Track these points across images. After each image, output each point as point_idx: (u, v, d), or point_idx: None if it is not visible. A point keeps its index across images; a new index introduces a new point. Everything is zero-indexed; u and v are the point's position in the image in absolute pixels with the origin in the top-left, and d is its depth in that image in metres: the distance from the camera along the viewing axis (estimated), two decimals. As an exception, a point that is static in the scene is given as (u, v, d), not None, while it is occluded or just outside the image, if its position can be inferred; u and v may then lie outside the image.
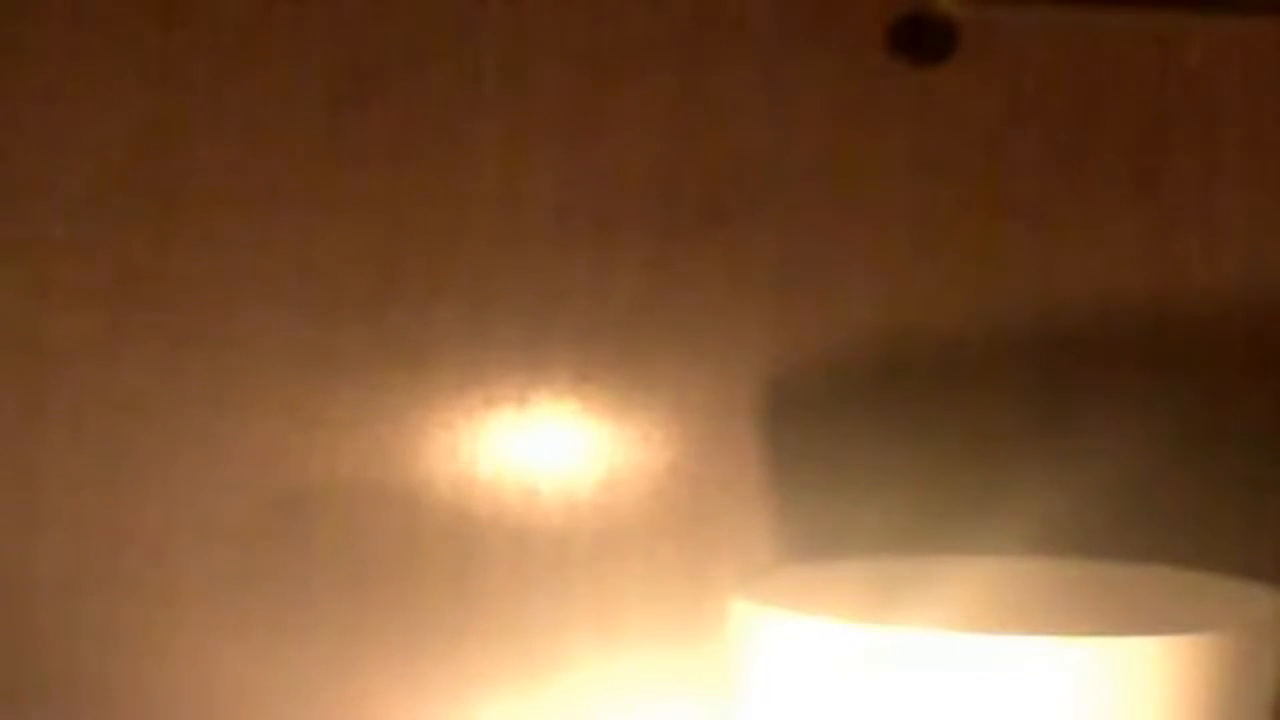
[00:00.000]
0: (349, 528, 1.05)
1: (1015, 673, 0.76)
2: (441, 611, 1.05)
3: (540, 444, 1.05)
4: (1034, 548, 1.02)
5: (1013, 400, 1.05)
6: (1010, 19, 1.05)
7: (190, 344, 1.04)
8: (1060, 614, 0.87)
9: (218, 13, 1.04)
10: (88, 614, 1.04)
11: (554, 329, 1.05)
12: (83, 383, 1.04)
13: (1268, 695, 0.81)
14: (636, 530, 1.05)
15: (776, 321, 1.05)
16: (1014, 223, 1.05)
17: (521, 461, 1.05)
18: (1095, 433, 1.05)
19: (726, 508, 1.05)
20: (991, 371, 1.05)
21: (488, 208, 1.05)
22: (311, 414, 1.04)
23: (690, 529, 1.05)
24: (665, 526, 1.05)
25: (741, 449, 1.05)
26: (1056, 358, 1.05)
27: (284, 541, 1.05)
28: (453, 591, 1.05)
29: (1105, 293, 1.05)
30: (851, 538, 1.04)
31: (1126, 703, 0.76)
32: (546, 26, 1.04)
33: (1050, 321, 1.05)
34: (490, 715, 1.05)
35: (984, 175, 1.05)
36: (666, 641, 1.05)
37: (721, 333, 1.05)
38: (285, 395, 1.04)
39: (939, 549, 1.03)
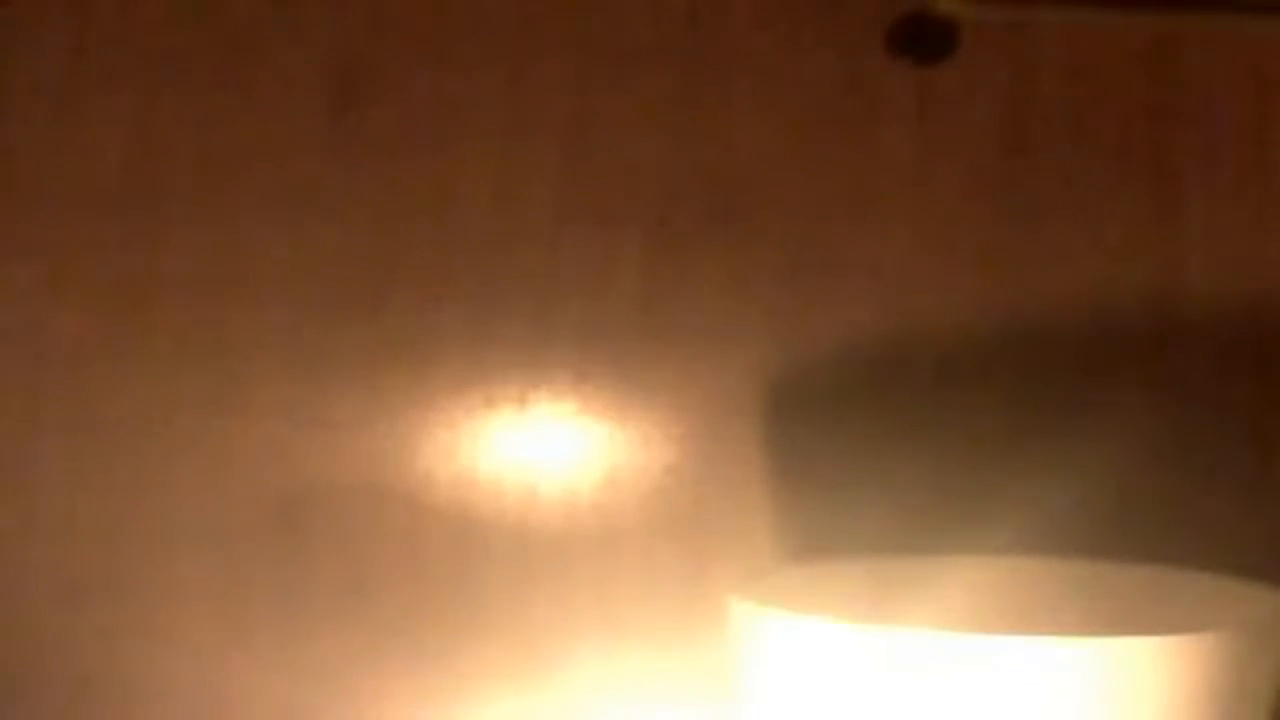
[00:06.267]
0: (349, 528, 1.05)
1: (1015, 673, 0.76)
2: (442, 611, 1.05)
3: (540, 444, 1.05)
4: (1034, 548, 1.02)
5: (1012, 400, 1.05)
6: (1010, 19, 1.05)
7: (190, 344, 1.04)
8: (1060, 614, 0.88)
9: (218, 14, 1.04)
10: (88, 614, 1.04)
11: (554, 329, 1.05)
12: (83, 383, 1.04)
13: (1268, 695, 0.81)
14: (636, 530, 1.05)
15: (776, 322, 1.05)
16: (1014, 223, 1.05)
17: (521, 461, 1.05)
18: (1095, 433, 1.05)
19: (726, 508, 1.05)
20: (991, 372, 1.05)
21: (488, 209, 1.05)
22: (311, 414, 1.04)
23: (690, 529, 1.05)
24: (665, 527, 1.05)
25: (741, 449, 1.05)
26: (1056, 357, 1.05)
27: (284, 541, 1.05)
28: (454, 591, 1.05)
29: (1105, 293, 1.05)
30: (851, 538, 1.04)
31: (1126, 703, 0.76)
32: (546, 27, 1.04)
33: (1050, 321, 1.05)
34: (490, 714, 1.05)
35: (984, 175, 1.05)
36: (666, 641, 1.05)
37: (721, 333, 1.05)
38: (285, 395, 1.04)
39: (939, 549, 1.03)
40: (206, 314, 1.04)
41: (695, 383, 1.05)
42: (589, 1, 1.04)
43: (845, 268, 1.05)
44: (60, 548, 1.04)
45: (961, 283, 1.05)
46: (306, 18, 1.04)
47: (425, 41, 1.04)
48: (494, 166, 1.05)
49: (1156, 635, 0.77)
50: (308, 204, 1.04)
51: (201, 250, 1.04)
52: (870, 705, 0.78)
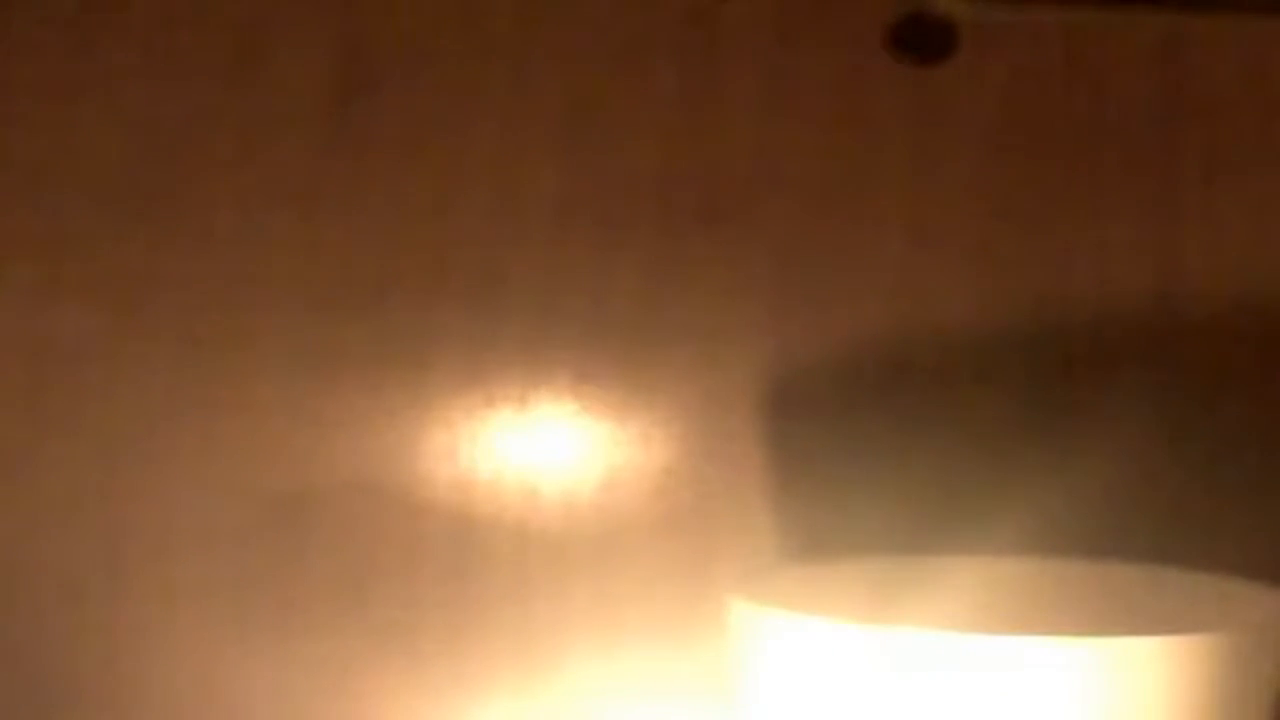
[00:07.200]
0: (349, 528, 1.05)
1: (1015, 673, 0.76)
2: (441, 612, 1.05)
3: (540, 444, 1.05)
4: (1034, 548, 1.02)
5: (1012, 400, 1.05)
6: (1010, 19, 1.05)
7: (190, 344, 1.04)
8: (1060, 614, 0.87)
9: (219, 12, 1.04)
10: (88, 614, 1.04)
11: (554, 329, 1.05)
12: (83, 383, 1.04)
13: (1268, 695, 0.81)
14: (636, 530, 1.05)
15: (776, 321, 1.05)
16: (1014, 223, 1.05)
17: (521, 461, 1.05)
18: (1095, 433, 1.05)
19: (726, 508, 1.05)
20: (991, 371, 1.05)
21: (488, 208, 1.05)
22: (311, 414, 1.04)
23: (690, 529, 1.05)
24: (665, 527, 1.05)
25: (741, 449, 1.05)
26: (1056, 357, 1.05)
27: (284, 541, 1.05)
28: (453, 591, 1.05)
29: (1105, 293, 1.05)
30: (851, 538, 1.04)
31: (1126, 703, 0.76)
32: (547, 26, 1.04)
33: (1050, 321, 1.05)
34: (490, 715, 1.05)
35: (984, 175, 1.05)
36: (666, 641, 1.05)
37: (721, 333, 1.05)
38: (285, 395, 1.04)
39: (939, 549, 1.03)
40: (206, 313, 1.04)
41: (695, 383, 1.05)
42: (591, 1, 1.04)
43: (846, 267, 1.05)
44: (60, 548, 1.04)
45: (962, 282, 1.05)
46: (307, 15, 1.04)
47: (426, 40, 1.04)
48: (494, 166, 1.05)
49: (1156, 635, 0.77)
50: (307, 203, 1.04)
51: (201, 249, 1.04)
52: (870, 705, 0.78)
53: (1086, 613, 0.88)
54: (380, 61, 1.04)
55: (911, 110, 1.05)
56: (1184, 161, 1.05)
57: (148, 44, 1.03)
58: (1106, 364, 1.05)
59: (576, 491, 1.05)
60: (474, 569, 1.05)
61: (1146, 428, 1.05)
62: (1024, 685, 0.76)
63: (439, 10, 1.04)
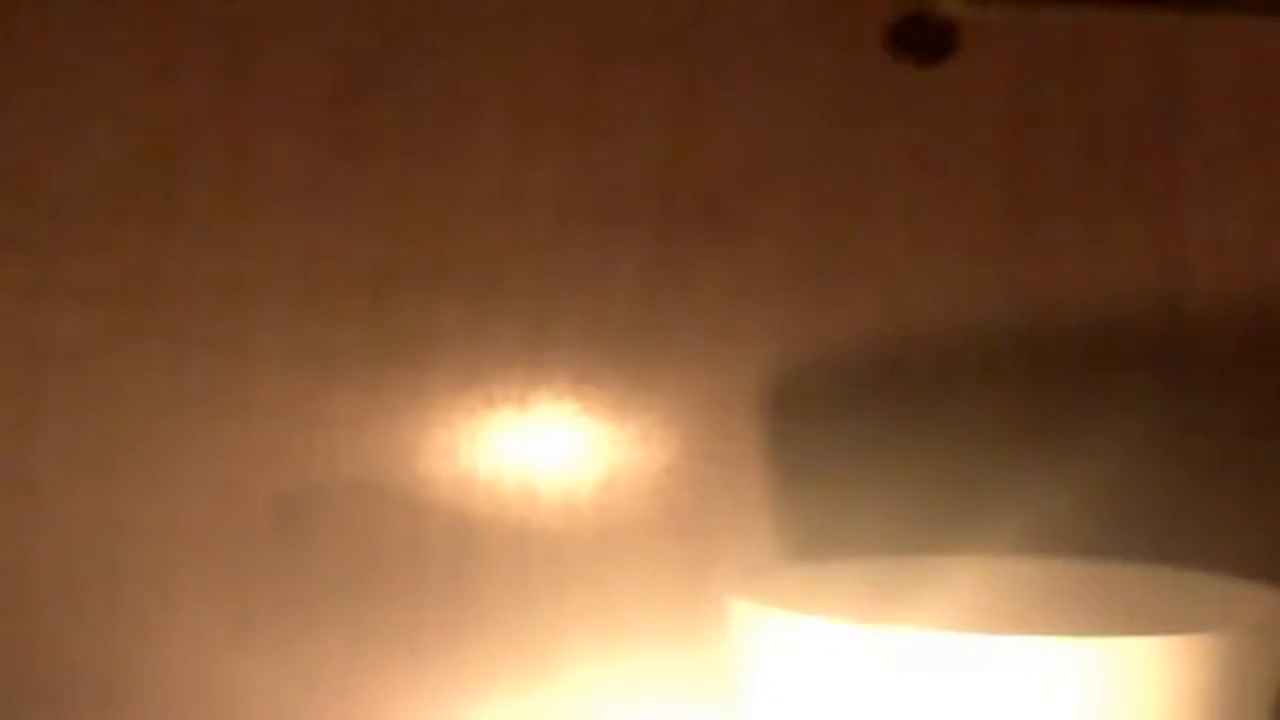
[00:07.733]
0: (349, 528, 1.05)
1: (1015, 673, 0.76)
2: (441, 612, 1.05)
3: (540, 444, 1.05)
4: (1033, 548, 1.02)
5: (1012, 400, 1.05)
6: (1010, 19, 1.05)
7: (190, 344, 1.04)
8: (1060, 614, 0.87)
9: (218, 11, 1.04)
10: (87, 614, 1.04)
11: (554, 329, 1.05)
12: (83, 383, 1.04)
13: (1268, 695, 0.81)
14: (636, 530, 1.05)
15: (776, 321, 1.05)
16: (1014, 222, 1.05)
17: (521, 461, 1.05)
18: (1095, 433, 1.05)
19: (726, 508, 1.05)
20: (991, 371, 1.05)
21: (488, 207, 1.05)
22: (311, 414, 1.04)
23: (690, 529, 1.05)
24: (665, 526, 1.05)
25: (742, 449, 1.05)
26: (1056, 357, 1.05)
27: (284, 541, 1.05)
28: (453, 591, 1.05)
29: (1106, 293, 1.05)
30: (851, 538, 1.04)
31: (1126, 703, 0.76)
32: (547, 25, 1.04)
33: (1050, 321, 1.05)
34: (490, 715, 1.05)
35: (983, 175, 1.05)
36: (666, 641, 1.05)
37: (721, 333, 1.05)
38: (285, 395, 1.04)
39: (939, 549, 1.03)
40: (205, 313, 1.04)
41: (695, 383, 1.05)
42: (593, 1, 1.04)
43: (846, 268, 1.05)
44: (59, 547, 1.04)
45: (963, 282, 1.05)
46: (306, 14, 1.04)
47: (428, 39, 1.04)
48: (495, 165, 1.05)
49: (1156, 635, 0.77)
50: (307, 202, 1.04)
51: (201, 248, 1.04)
52: (870, 705, 0.78)
53: (1086, 613, 0.88)
54: (380, 61, 1.04)
55: (911, 110, 1.05)
56: (1185, 161, 1.05)
57: (147, 44, 1.03)
58: (1107, 364, 1.05)
59: (576, 491, 1.05)
60: (474, 569, 1.05)
61: (1147, 427, 1.05)
62: (1024, 685, 0.76)
63: (439, 10, 1.04)
